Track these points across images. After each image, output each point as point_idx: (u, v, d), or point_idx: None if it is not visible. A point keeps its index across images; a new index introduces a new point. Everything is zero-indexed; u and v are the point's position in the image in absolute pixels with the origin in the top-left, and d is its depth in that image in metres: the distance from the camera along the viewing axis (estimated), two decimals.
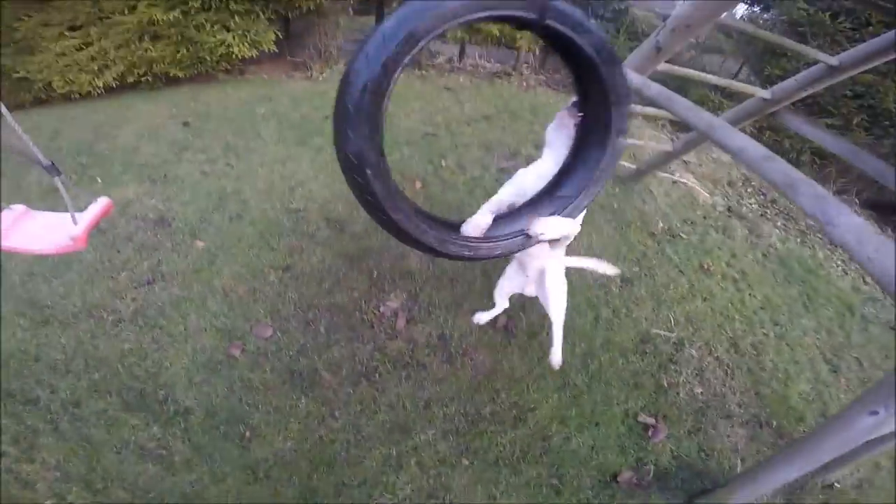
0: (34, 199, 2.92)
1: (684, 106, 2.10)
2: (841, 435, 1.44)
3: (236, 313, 2.23)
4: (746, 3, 6.05)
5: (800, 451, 1.59)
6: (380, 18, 6.31)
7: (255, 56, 5.31)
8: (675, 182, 3.79)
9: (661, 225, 3.27)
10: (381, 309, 2.31)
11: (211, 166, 3.32)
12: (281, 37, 5.45)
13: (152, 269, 2.44)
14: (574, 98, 1.53)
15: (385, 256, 2.57)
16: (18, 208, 1.85)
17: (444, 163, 3.51)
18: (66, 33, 4.88)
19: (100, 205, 1.77)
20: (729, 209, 3.71)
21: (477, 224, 1.50)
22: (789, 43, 2.43)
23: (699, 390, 2.29)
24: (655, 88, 2.25)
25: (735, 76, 5.47)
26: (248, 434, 1.83)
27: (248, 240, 2.59)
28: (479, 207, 1.60)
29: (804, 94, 2.53)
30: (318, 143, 3.61)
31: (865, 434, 1.38)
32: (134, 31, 4.88)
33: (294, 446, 1.82)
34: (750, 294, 2.90)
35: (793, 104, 2.75)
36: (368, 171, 1.09)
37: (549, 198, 1.58)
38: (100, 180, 3.17)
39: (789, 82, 2.52)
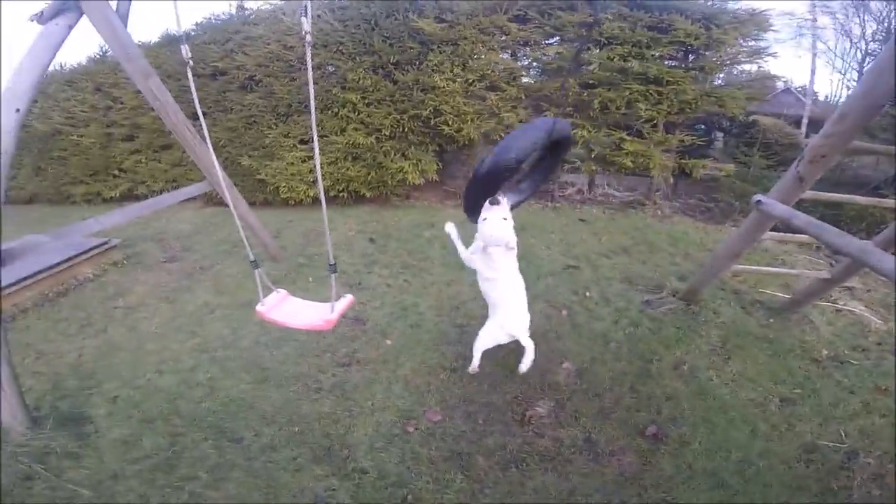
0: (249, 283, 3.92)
1: (834, 234, 2.17)
2: None
3: (413, 398, 2.70)
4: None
5: None
6: None
7: (420, 184, 6.38)
8: (839, 310, 3.58)
9: (825, 352, 3.07)
10: (529, 413, 2.56)
11: (393, 280, 4.13)
12: (440, 167, 6.49)
13: (350, 355, 3.10)
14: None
15: (534, 370, 2.81)
16: (282, 292, 2.67)
17: (588, 294, 3.80)
18: (298, 146, 6.38)
19: (347, 299, 2.50)
20: None
21: None
22: None
23: (878, 492, 2.07)
24: (803, 219, 2.35)
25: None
26: (409, 497, 2.12)
27: (424, 344, 3.17)
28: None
29: None
30: (473, 270, 4.24)
31: None
32: (342, 150, 6.20)
33: None
34: None
35: None
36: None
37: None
38: (311, 279, 4.18)
39: None
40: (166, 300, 4.00)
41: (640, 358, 3.01)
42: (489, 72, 5.99)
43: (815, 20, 18.29)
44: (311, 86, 1.81)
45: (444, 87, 5.84)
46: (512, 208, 2.53)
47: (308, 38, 1.71)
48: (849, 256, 2.24)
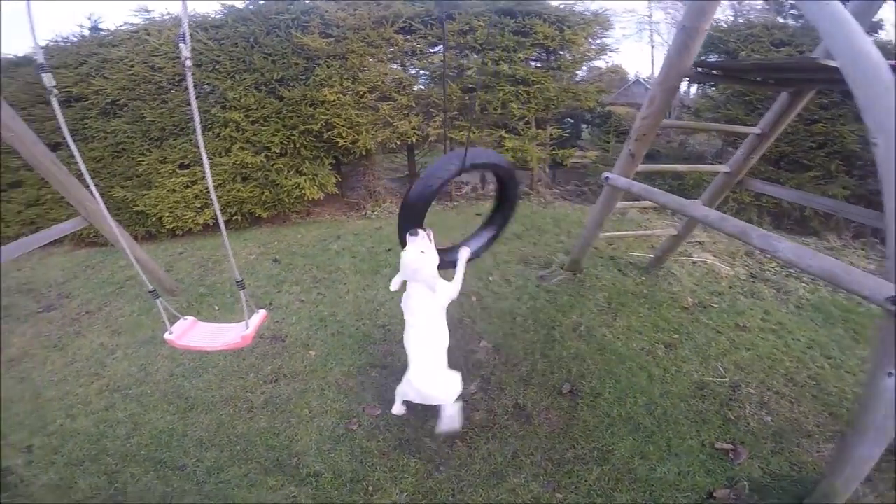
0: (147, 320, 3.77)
1: (660, 194, 2.74)
2: (879, 400, 1.61)
3: (350, 399, 2.74)
4: (697, 83, 7.11)
5: (861, 426, 1.71)
6: (412, 157, 7.33)
7: (320, 198, 6.31)
8: (695, 262, 4.29)
9: (690, 300, 3.66)
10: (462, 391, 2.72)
11: (306, 296, 4.09)
12: (339, 180, 6.51)
13: (275, 371, 3.05)
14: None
15: (458, 353, 3.03)
16: (190, 319, 2.57)
17: (490, 278, 4.15)
18: (178, 171, 5.94)
19: (261, 314, 2.47)
20: (752, 276, 4.10)
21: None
22: (714, 126, 3.06)
23: (769, 419, 2.49)
24: (638, 186, 2.89)
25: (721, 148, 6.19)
26: (370, 489, 2.19)
27: (350, 348, 3.21)
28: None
29: (753, 161, 3.10)
30: (387, 273, 4.37)
31: (892, 394, 1.57)
32: (229, 172, 5.90)
33: (408, 497, 2.15)
34: (793, 339, 3.17)
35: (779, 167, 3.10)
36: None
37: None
38: (216, 307, 3.99)
39: (737, 155, 3.12)
40: (55, 348, 3.58)
41: (543, 326, 3.37)
42: (379, 83, 6.15)
43: (650, 16, 21.30)
44: (196, 112, 1.81)
45: (334, 101, 5.88)
46: (475, 256, 2.68)
47: (188, 63, 1.72)
48: (673, 210, 2.79)
